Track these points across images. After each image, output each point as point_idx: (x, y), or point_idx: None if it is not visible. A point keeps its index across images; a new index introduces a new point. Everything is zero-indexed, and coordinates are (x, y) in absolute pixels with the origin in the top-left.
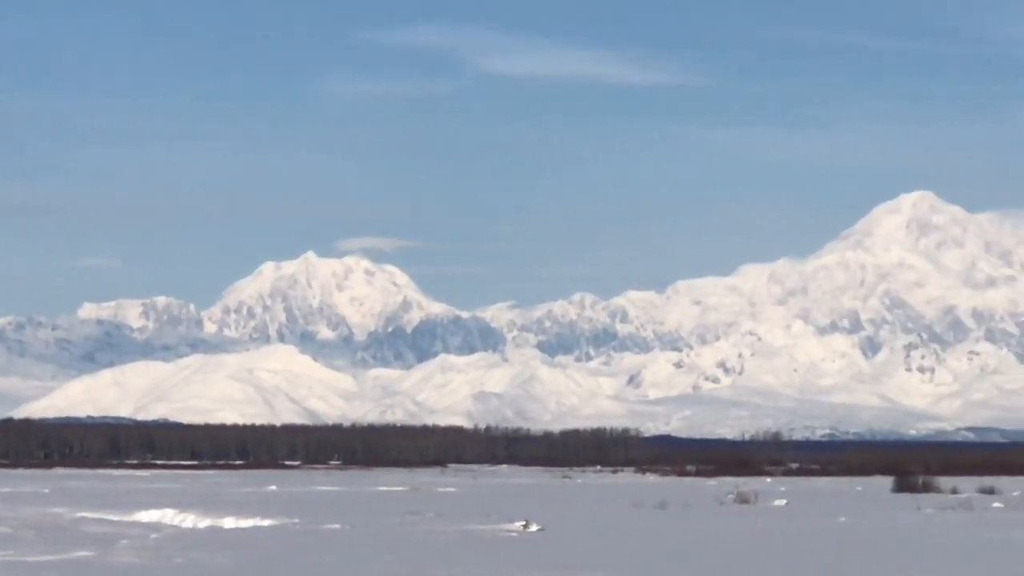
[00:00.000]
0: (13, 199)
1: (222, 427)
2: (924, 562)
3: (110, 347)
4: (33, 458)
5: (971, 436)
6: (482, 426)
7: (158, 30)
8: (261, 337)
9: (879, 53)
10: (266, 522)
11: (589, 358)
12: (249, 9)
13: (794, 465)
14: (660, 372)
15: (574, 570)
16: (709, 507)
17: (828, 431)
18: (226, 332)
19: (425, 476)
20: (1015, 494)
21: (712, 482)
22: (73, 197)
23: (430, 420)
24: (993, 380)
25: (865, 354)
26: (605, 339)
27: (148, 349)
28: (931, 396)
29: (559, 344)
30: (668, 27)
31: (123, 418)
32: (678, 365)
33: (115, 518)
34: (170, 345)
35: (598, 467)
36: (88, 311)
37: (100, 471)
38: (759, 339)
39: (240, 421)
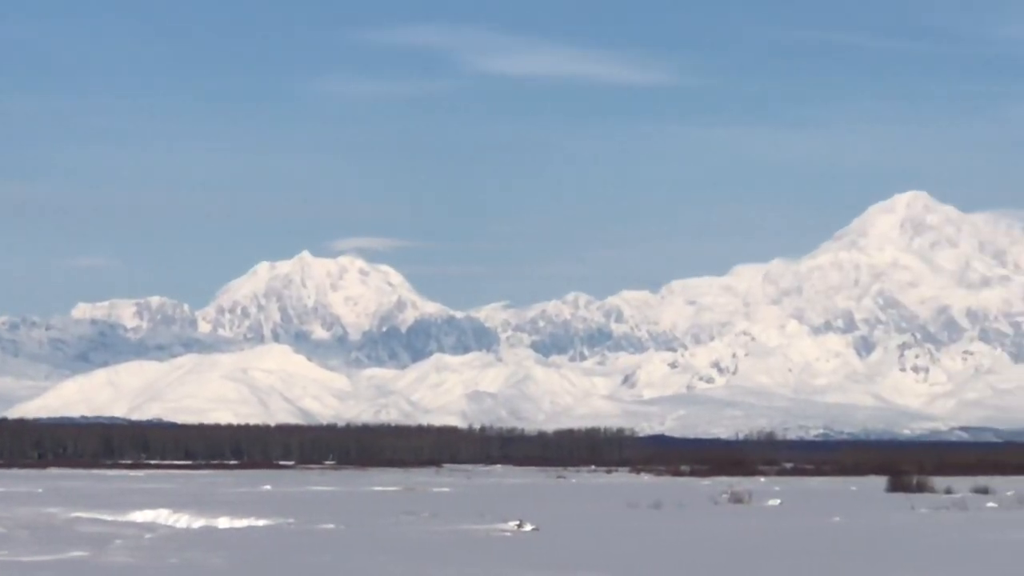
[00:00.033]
0: (7, 199)
1: (216, 427)
2: (918, 562)
3: (104, 347)
4: (27, 458)
5: (965, 436)
6: (476, 426)
7: (156, 30)
8: (255, 337)
9: (876, 53)
10: (261, 522)
11: (583, 358)
12: (246, 9)
13: (788, 465)
14: (654, 372)
15: (568, 570)
16: (703, 507)
17: (822, 431)
18: (220, 332)
19: (420, 476)
20: (1009, 494)
21: (706, 482)
22: (67, 197)
23: (424, 420)
24: (987, 380)
25: (859, 354)
26: (599, 339)
27: (142, 349)
28: (925, 396)
29: (553, 344)
30: (663, 27)
31: (117, 418)
32: (672, 365)
33: (109, 518)
34: (164, 345)
35: (592, 467)
36: (82, 311)
37: (94, 471)
38: (753, 339)
39: (234, 421)
